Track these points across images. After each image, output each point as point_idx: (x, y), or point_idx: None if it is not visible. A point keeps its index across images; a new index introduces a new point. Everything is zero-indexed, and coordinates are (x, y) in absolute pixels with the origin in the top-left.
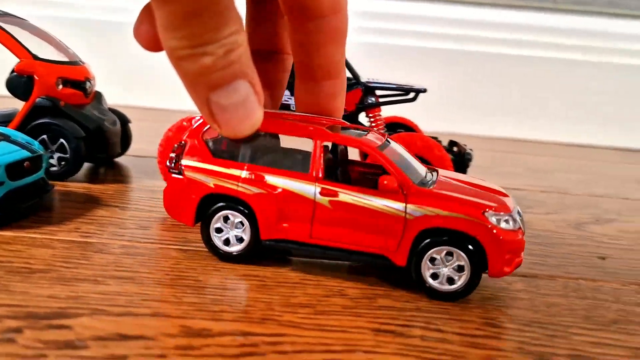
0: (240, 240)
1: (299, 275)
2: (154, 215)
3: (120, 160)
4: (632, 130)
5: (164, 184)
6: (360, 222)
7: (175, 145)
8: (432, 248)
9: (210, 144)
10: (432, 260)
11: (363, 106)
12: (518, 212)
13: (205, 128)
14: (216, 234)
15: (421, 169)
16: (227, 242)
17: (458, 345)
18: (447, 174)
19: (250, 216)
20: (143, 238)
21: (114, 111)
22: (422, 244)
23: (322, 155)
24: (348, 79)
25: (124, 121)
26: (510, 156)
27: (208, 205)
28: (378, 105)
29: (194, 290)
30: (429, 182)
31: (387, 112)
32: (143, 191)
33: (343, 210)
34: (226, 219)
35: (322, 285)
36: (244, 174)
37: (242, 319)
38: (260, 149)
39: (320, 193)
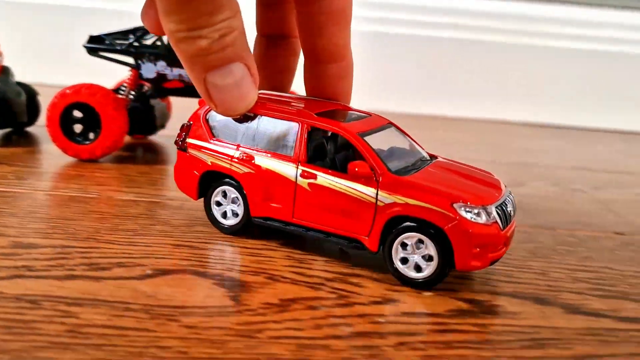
0: (236, 214)
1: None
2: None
3: (30, 129)
4: (543, 106)
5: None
6: (337, 206)
7: (183, 124)
8: (402, 234)
9: (211, 124)
10: (404, 245)
11: None
12: (503, 205)
13: (205, 108)
14: (216, 207)
15: (412, 157)
16: (225, 215)
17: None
18: (445, 162)
19: (242, 193)
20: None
21: (21, 85)
22: (392, 231)
23: (306, 138)
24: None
25: (32, 94)
26: (423, 132)
27: (209, 181)
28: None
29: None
30: (412, 170)
31: None
32: (44, 153)
33: (321, 193)
34: (225, 194)
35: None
36: (237, 153)
37: (68, 238)
38: (255, 130)
39: (301, 175)
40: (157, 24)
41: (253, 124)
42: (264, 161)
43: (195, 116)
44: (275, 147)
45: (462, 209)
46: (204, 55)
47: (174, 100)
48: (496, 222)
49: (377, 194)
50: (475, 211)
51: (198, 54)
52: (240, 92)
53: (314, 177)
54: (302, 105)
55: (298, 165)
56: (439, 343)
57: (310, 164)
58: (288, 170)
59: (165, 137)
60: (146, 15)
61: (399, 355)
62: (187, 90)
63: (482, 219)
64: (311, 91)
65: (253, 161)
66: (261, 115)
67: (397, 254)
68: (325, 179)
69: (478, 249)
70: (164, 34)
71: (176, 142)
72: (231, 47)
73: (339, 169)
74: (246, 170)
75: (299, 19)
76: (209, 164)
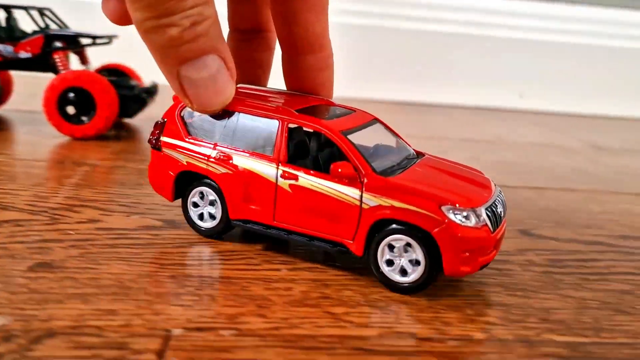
0: (212, 217)
1: None
2: None
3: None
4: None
5: None
6: (319, 209)
7: (157, 121)
8: (388, 236)
9: (186, 121)
10: (391, 247)
11: (50, 50)
12: (493, 206)
13: (180, 105)
14: (193, 209)
15: (398, 155)
16: (201, 217)
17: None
18: (433, 160)
19: (220, 195)
20: None
21: None
22: (377, 234)
23: (286, 136)
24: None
25: None
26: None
27: (185, 182)
28: (65, 49)
29: None
30: (398, 170)
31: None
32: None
33: (302, 195)
34: (202, 195)
35: None
36: (214, 153)
37: None
38: (233, 129)
39: (282, 176)
40: (120, 14)
41: (231, 121)
42: (243, 161)
43: (169, 113)
44: (255, 146)
45: (451, 211)
46: (175, 47)
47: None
48: (486, 224)
49: (361, 196)
50: (464, 214)
51: (169, 44)
52: (216, 86)
53: (295, 177)
54: (282, 101)
55: (278, 165)
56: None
57: (291, 164)
58: (268, 170)
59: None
60: (107, 6)
61: None
62: (4, 64)
63: (472, 222)
64: (291, 85)
65: (231, 161)
66: (239, 112)
67: (382, 256)
68: (307, 180)
69: (467, 254)
70: (129, 24)
71: (150, 141)
72: (204, 37)
73: (322, 169)
74: (224, 170)
75: (273, 7)
76: (185, 163)
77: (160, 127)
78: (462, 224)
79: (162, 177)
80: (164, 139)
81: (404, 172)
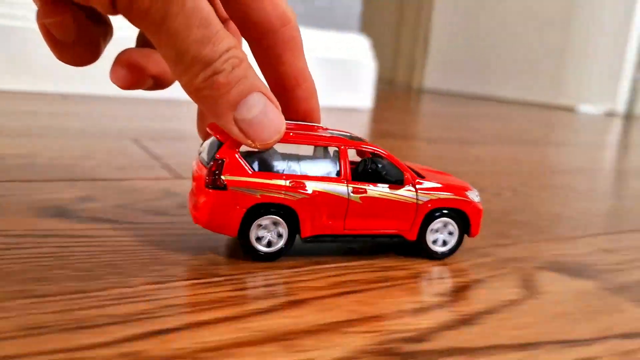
0: (269, 245)
1: None
2: None
3: None
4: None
5: None
6: (385, 211)
7: (211, 162)
8: (435, 220)
9: (248, 158)
10: (434, 230)
11: None
12: None
13: (233, 143)
14: (255, 239)
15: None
16: (260, 241)
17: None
18: (417, 165)
19: (291, 219)
20: None
21: None
22: (429, 221)
23: (348, 159)
24: None
25: None
26: None
27: (250, 215)
28: None
29: None
30: (418, 174)
31: None
32: None
33: (370, 203)
34: (262, 224)
35: None
36: (287, 182)
37: None
38: (296, 159)
39: (352, 192)
40: (129, 82)
41: (296, 155)
42: (315, 185)
43: (225, 152)
44: (321, 171)
45: (470, 194)
46: (226, 94)
47: None
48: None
49: (416, 195)
50: (476, 194)
51: (219, 93)
52: (269, 120)
53: (365, 191)
54: (313, 131)
55: (347, 183)
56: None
57: (356, 180)
58: (340, 189)
59: None
60: (117, 75)
61: None
62: None
63: (479, 199)
64: (287, 116)
65: (304, 187)
66: (295, 144)
67: (430, 236)
68: (374, 190)
69: (479, 220)
70: (135, 89)
71: (208, 183)
72: (246, 78)
73: (374, 180)
74: (299, 196)
75: (256, 55)
76: (258, 197)
77: (219, 167)
78: (477, 201)
79: (228, 214)
80: (226, 177)
81: (426, 175)
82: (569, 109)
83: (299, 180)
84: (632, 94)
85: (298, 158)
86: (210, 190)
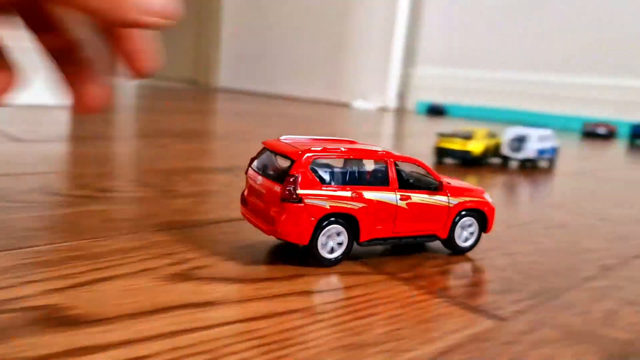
0: (331, 251)
1: None
2: None
3: None
4: None
5: None
6: (425, 215)
7: (288, 178)
8: (461, 219)
9: (318, 174)
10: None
11: None
12: None
13: (306, 160)
14: (321, 246)
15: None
16: (325, 249)
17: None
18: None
19: (352, 226)
20: None
21: None
22: (457, 221)
23: (395, 171)
24: None
25: None
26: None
27: (319, 224)
28: None
29: None
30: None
31: None
32: None
33: (414, 209)
34: (326, 232)
35: None
36: (349, 193)
37: None
38: (355, 173)
39: (400, 199)
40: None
41: (351, 168)
42: (372, 194)
43: (298, 168)
44: (375, 182)
45: (486, 196)
46: None
47: None
48: None
49: (448, 199)
50: (488, 195)
51: None
52: None
53: (410, 197)
54: (366, 146)
55: (396, 192)
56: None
57: (402, 188)
58: (390, 197)
59: None
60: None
61: None
62: None
63: (491, 199)
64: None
65: (363, 197)
66: (353, 160)
67: (457, 235)
68: (417, 197)
69: (494, 219)
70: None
71: (286, 196)
72: None
73: (413, 187)
74: (360, 205)
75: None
76: (328, 207)
77: (295, 182)
78: (491, 202)
79: (302, 224)
80: (301, 191)
81: (447, 182)
82: (346, 105)
83: (358, 191)
84: (402, 90)
85: (352, 170)
86: (286, 204)
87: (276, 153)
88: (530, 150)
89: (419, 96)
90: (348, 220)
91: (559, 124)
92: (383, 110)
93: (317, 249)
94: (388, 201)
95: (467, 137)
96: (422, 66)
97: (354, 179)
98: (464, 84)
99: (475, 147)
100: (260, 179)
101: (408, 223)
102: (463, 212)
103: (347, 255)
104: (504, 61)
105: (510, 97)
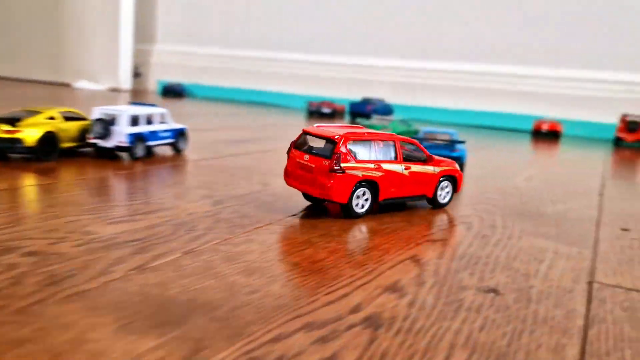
0: (363, 205)
1: None
2: None
3: None
4: None
5: None
6: (420, 180)
7: (333, 155)
8: (441, 183)
9: (352, 152)
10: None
11: None
12: None
13: (343, 141)
14: (354, 204)
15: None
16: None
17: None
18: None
19: (374, 189)
20: None
21: None
22: (439, 184)
23: (400, 148)
24: None
25: None
26: None
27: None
28: None
29: None
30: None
31: None
32: None
33: (413, 176)
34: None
35: None
36: (373, 165)
37: None
38: (376, 150)
39: (404, 169)
40: None
41: (370, 147)
42: (386, 166)
43: (340, 148)
44: (387, 157)
45: (456, 165)
46: None
47: None
48: None
49: (434, 169)
50: (458, 165)
51: None
52: None
53: (410, 168)
54: (378, 132)
55: (402, 164)
56: None
57: (405, 161)
58: (398, 167)
59: None
60: None
61: None
62: None
63: (459, 168)
64: None
65: (382, 167)
66: (372, 141)
67: (439, 194)
68: (415, 167)
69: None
70: None
71: (333, 169)
72: None
73: (410, 161)
74: (380, 174)
75: None
76: (361, 176)
77: (338, 158)
78: (459, 170)
79: (344, 188)
80: (343, 165)
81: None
82: (69, 86)
83: (378, 164)
84: (140, 69)
85: (371, 148)
86: (334, 174)
87: (317, 137)
88: (120, 135)
89: (160, 76)
90: (372, 185)
91: (293, 104)
92: (116, 91)
93: (352, 206)
94: (397, 171)
95: (16, 119)
96: (162, 44)
97: (375, 155)
98: (207, 63)
99: (30, 134)
100: (307, 156)
101: (409, 187)
102: (442, 178)
103: (370, 211)
104: (245, 40)
105: (254, 77)
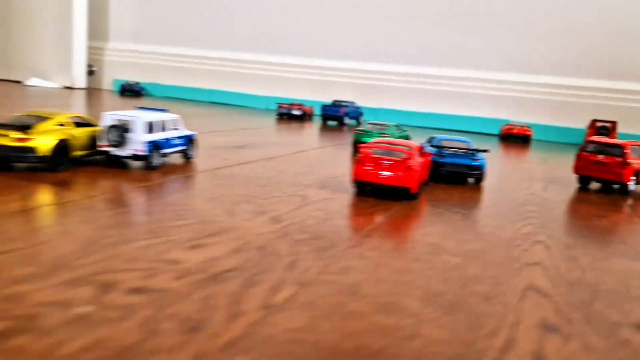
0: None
1: None
2: None
3: None
4: None
5: None
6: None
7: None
8: None
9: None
10: None
11: None
12: None
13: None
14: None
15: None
16: None
17: None
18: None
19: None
20: None
21: None
22: None
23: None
24: None
25: None
26: None
27: None
28: None
29: None
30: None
31: None
32: None
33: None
34: None
35: None
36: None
37: None
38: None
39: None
40: None
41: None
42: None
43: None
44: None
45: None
46: None
47: None
48: None
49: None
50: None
51: None
52: None
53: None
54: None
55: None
56: None
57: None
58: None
59: None
60: None
61: None
62: None
63: None
64: None
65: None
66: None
67: None
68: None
69: None
70: None
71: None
72: None
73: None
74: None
75: None
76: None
77: (626, 157)
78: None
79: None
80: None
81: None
82: (19, 84)
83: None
84: (94, 68)
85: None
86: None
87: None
88: (137, 143)
89: (115, 75)
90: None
91: (256, 105)
92: (69, 89)
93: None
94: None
95: (26, 126)
96: (118, 42)
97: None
98: (166, 62)
99: (44, 142)
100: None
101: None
102: None
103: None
104: (205, 40)
105: (216, 77)
